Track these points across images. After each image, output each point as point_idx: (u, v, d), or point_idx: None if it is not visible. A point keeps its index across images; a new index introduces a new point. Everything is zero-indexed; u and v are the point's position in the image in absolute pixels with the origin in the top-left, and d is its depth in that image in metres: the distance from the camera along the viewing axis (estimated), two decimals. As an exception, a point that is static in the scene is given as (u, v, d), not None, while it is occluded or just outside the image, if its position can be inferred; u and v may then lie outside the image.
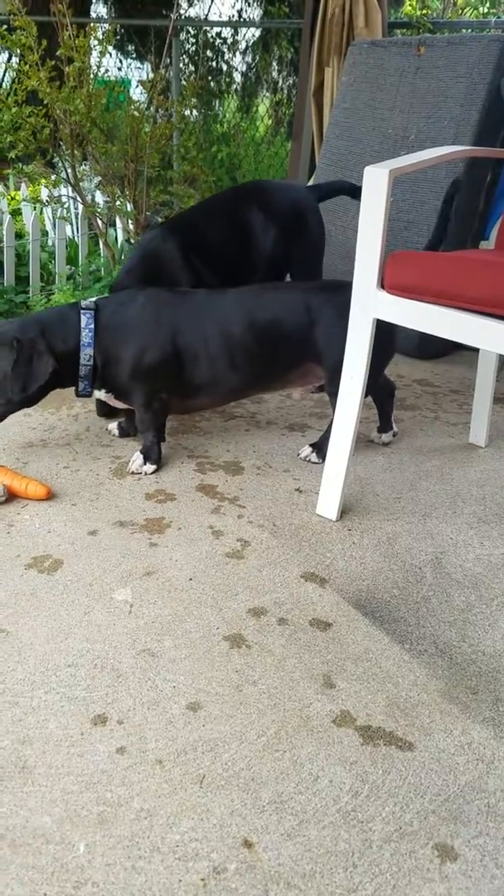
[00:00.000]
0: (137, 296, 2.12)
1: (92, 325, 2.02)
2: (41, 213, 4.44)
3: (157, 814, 1.15)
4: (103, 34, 3.78)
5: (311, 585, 1.70)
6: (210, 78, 6.41)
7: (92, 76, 3.75)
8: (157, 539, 1.85)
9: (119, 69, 7.22)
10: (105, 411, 2.43)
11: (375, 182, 1.69)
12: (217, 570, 1.74)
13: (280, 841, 1.11)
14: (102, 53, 3.80)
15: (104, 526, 1.90)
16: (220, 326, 2.07)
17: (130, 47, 7.49)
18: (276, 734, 1.30)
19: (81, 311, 2.03)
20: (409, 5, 3.81)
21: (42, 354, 1.99)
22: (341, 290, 2.05)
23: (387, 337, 2.05)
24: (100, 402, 2.43)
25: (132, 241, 4.20)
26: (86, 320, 2.02)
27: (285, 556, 1.80)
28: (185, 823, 1.13)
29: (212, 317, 2.08)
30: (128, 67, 7.46)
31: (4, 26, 3.55)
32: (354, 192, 3.40)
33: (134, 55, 7.51)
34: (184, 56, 6.27)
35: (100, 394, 2.14)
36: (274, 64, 6.29)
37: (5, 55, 7.35)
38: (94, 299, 2.10)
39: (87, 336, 2.02)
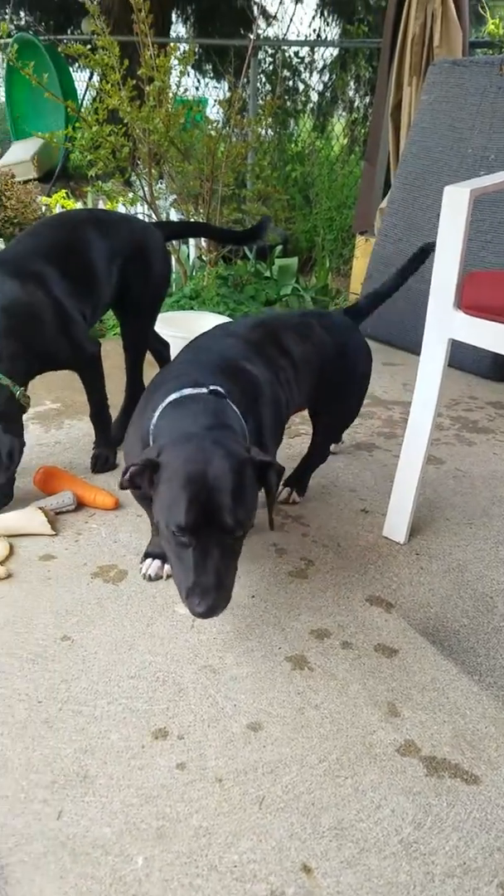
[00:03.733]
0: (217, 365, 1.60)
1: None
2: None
3: (215, 832, 1.14)
4: (183, 54, 3.85)
5: (376, 610, 1.67)
6: (286, 97, 6.45)
7: (171, 95, 3.82)
8: (222, 554, 1.85)
9: (196, 88, 7.36)
10: None
11: (456, 202, 1.66)
12: (280, 589, 1.72)
13: (339, 868, 1.09)
14: (182, 73, 3.86)
15: (170, 539, 1.91)
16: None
17: (208, 66, 7.63)
18: (338, 760, 1.27)
19: (219, 395, 1.49)
20: (493, 24, 3.77)
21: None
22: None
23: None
24: None
25: (203, 258, 4.26)
26: (227, 401, 1.51)
27: (350, 578, 1.78)
28: (244, 844, 1.12)
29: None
30: (205, 86, 7.59)
31: (88, 46, 3.65)
32: (213, 233, 3.19)
33: (211, 74, 7.64)
34: (261, 75, 6.33)
35: None
36: (351, 83, 6.30)
37: (86, 73, 7.60)
38: (187, 389, 1.49)
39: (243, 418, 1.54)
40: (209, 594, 1.27)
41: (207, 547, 1.29)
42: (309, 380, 1.83)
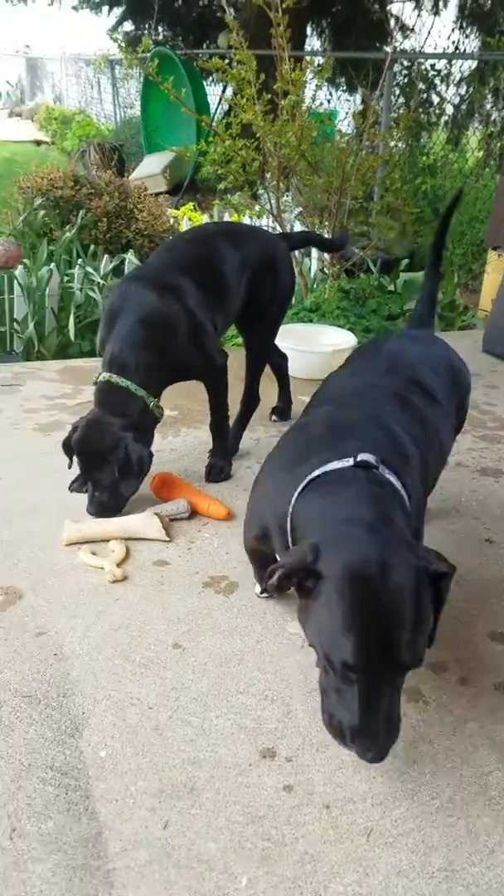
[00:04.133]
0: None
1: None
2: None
3: (321, 860, 1.11)
4: (318, 67, 3.84)
5: (498, 647, 1.60)
6: (420, 109, 6.36)
7: (305, 109, 3.82)
8: (335, 573, 1.82)
9: (328, 101, 7.36)
10: None
11: None
12: (395, 614, 1.67)
13: (449, 915, 1.04)
14: (318, 87, 3.85)
15: (283, 553, 1.89)
16: None
17: (341, 79, 7.63)
18: (451, 798, 1.22)
19: (370, 468, 1.27)
20: None
21: None
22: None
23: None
24: None
25: (325, 271, 4.24)
26: (383, 475, 1.28)
27: (471, 612, 1.71)
28: (350, 875, 1.09)
29: None
30: (336, 99, 7.58)
31: (226, 60, 3.70)
32: (322, 243, 3.24)
33: (344, 87, 7.63)
34: (395, 87, 6.27)
35: None
36: (489, 96, 6.14)
37: (218, 87, 7.76)
38: (332, 463, 1.28)
39: None
40: (380, 740, 1.08)
41: (378, 686, 1.08)
42: (452, 421, 1.67)
